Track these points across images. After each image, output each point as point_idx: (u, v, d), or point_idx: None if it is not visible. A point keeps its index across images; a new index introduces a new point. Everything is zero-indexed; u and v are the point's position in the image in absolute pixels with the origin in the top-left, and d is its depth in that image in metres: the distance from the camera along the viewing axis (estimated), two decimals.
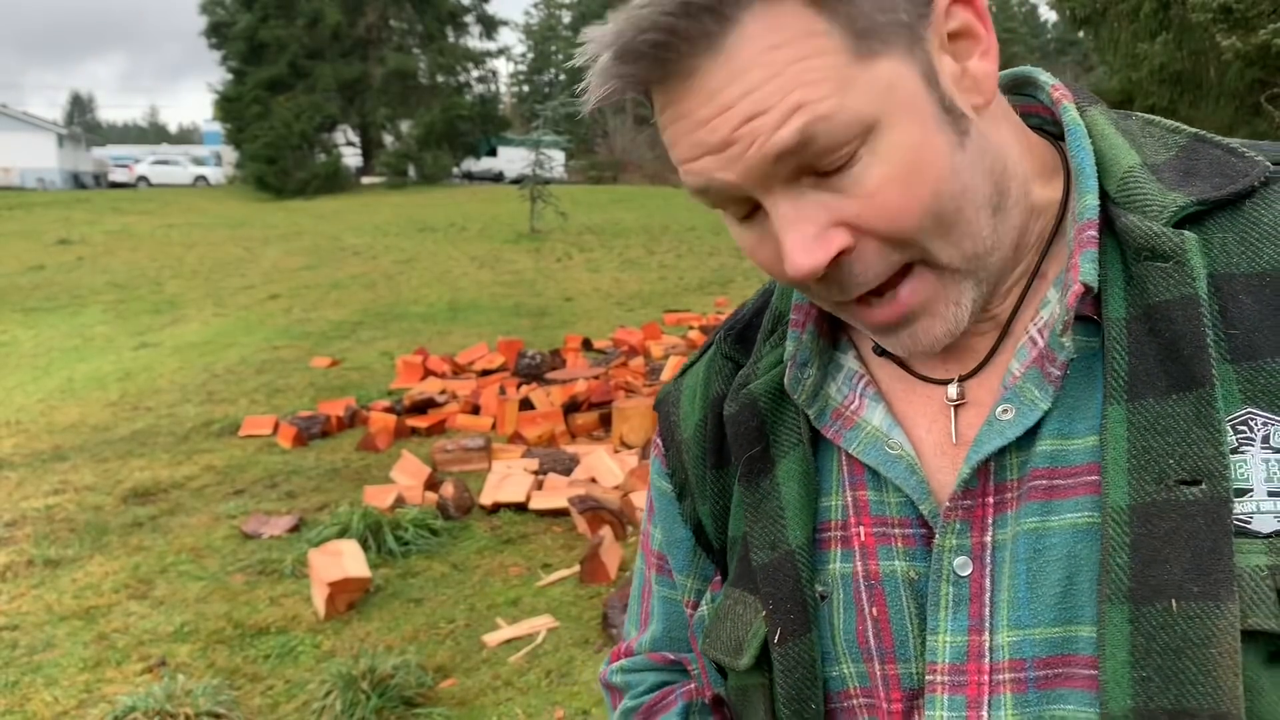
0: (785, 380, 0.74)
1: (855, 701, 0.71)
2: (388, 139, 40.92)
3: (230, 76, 38.03)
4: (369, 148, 41.31)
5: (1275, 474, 0.58)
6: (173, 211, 27.45)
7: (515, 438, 6.76)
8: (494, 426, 7.18)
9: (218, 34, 38.87)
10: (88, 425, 8.07)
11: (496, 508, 5.50)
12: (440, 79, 41.05)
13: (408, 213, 25.82)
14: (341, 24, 37.54)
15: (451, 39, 42.50)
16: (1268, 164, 0.64)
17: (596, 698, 3.57)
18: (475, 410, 7.57)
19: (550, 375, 8.33)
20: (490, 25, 43.86)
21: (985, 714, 0.64)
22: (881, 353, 0.74)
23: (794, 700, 0.71)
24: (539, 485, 5.71)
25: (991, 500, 0.65)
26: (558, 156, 29.66)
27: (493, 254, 18.50)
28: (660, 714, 0.87)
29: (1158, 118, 0.71)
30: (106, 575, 4.90)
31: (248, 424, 7.61)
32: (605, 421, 6.89)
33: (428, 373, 8.90)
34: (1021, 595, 0.63)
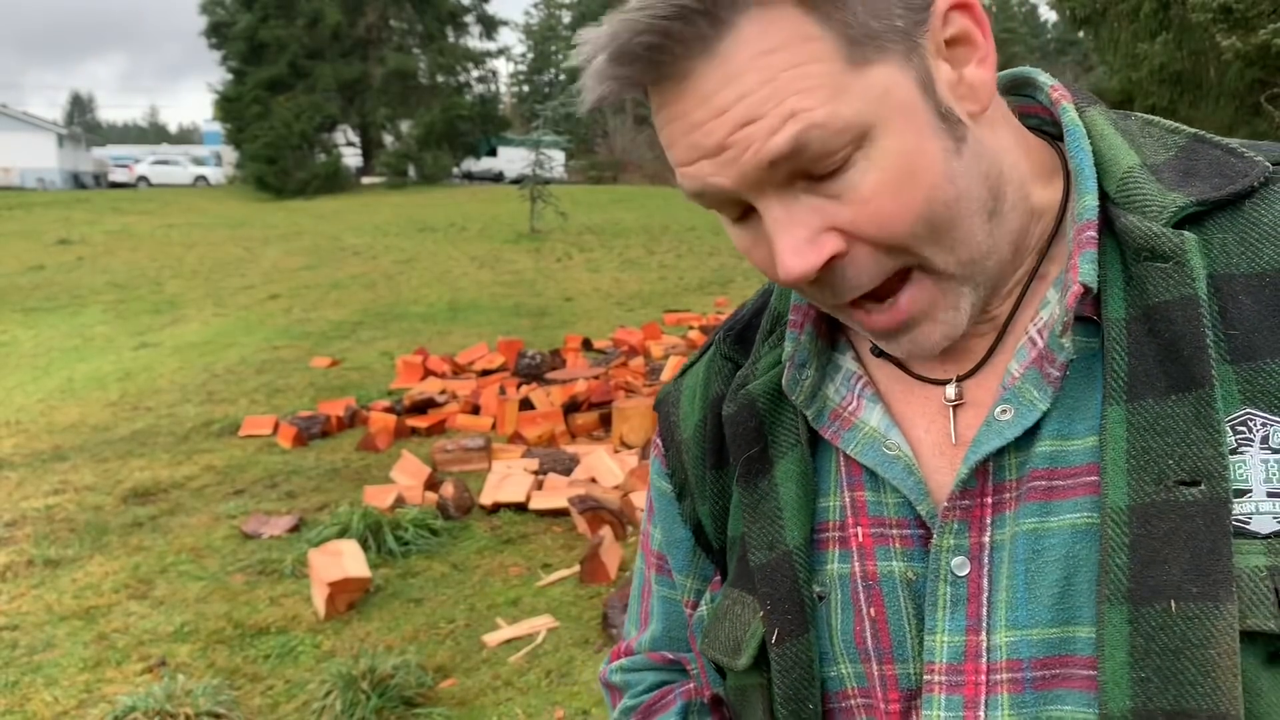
0: (783, 381, 0.74)
1: (853, 702, 0.71)
2: (388, 139, 40.92)
3: (230, 76, 38.04)
4: (369, 148, 41.31)
5: (1274, 474, 0.58)
6: (173, 211, 27.45)
7: (515, 438, 6.76)
8: (494, 426, 7.18)
9: (218, 34, 38.87)
10: (88, 425, 8.07)
11: (496, 508, 5.50)
12: (440, 79, 41.06)
13: (408, 213, 25.82)
14: (341, 24, 37.54)
15: (451, 39, 42.50)
16: (1267, 164, 0.64)
17: (596, 698, 3.57)
18: (475, 410, 7.57)
19: (550, 375, 8.33)
20: (490, 25, 43.87)
21: (982, 714, 0.64)
22: (880, 353, 0.74)
23: (791, 700, 0.71)
24: (539, 485, 5.71)
25: (990, 501, 0.65)
26: (558, 156, 29.68)
27: (493, 254, 18.50)
28: (659, 713, 0.87)
29: (1157, 118, 0.71)
30: (106, 575, 4.90)
31: (248, 424, 7.61)
32: (605, 421, 6.89)
33: (428, 373, 8.90)
34: (1019, 596, 0.63)
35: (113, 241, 20.67)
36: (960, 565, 0.65)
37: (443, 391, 8.06)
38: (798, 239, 0.61)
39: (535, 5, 77.50)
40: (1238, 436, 0.59)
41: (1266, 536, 0.57)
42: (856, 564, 0.70)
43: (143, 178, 42.64)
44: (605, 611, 4.07)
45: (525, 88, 75.59)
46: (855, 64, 0.58)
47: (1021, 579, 0.63)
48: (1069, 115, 0.69)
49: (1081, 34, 19.05)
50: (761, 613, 0.72)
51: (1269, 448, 0.58)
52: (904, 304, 0.64)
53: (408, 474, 5.97)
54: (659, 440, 0.88)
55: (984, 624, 0.64)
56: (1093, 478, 0.62)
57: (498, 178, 43.23)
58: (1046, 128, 0.73)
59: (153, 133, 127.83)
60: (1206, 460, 0.58)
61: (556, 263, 17.39)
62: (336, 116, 38.63)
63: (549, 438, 6.71)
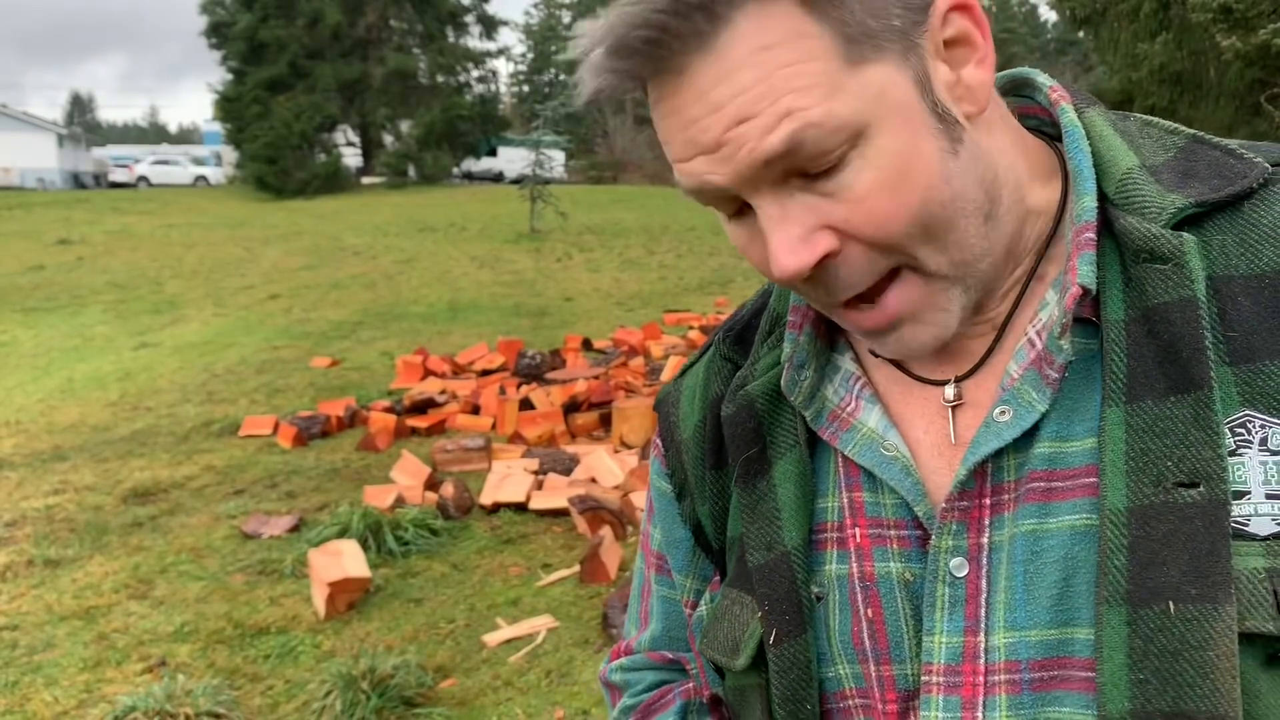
0: (782, 382, 0.74)
1: (851, 702, 0.71)
2: (388, 139, 40.92)
3: (230, 76, 38.03)
4: (369, 148, 41.31)
5: (1273, 476, 0.58)
6: (173, 211, 27.45)
7: (515, 438, 6.76)
8: (494, 426, 7.18)
9: (218, 34, 38.86)
10: (88, 425, 8.07)
11: (496, 508, 5.50)
12: (440, 79, 41.05)
13: (408, 213, 25.82)
14: (341, 24, 37.54)
15: (451, 39, 42.50)
16: (1266, 165, 0.64)
17: (596, 698, 3.57)
18: (475, 410, 7.57)
19: (550, 375, 8.33)
20: (490, 25, 43.86)
21: (980, 715, 0.64)
22: (878, 354, 0.74)
23: (789, 701, 0.71)
24: (539, 485, 5.71)
25: (988, 502, 0.65)
26: (558, 156, 29.67)
27: (493, 254, 18.50)
28: (658, 713, 0.88)
29: (1156, 119, 0.71)
30: (106, 575, 4.90)
31: (248, 424, 7.61)
32: (605, 421, 6.89)
33: (428, 373, 8.90)
34: (1018, 597, 0.63)
35: (113, 241, 20.67)
36: (959, 566, 0.65)
37: (443, 391, 8.06)
38: (791, 236, 0.61)
39: (535, 5, 77.51)
40: (1236, 438, 0.59)
41: (1265, 538, 0.57)
42: (854, 565, 0.70)
43: (143, 178, 42.64)
44: (605, 611, 4.07)
45: (525, 88, 75.58)
46: (852, 62, 0.58)
47: (1020, 580, 0.63)
48: (1068, 116, 0.69)
49: (1081, 34, 19.05)
50: (759, 613, 0.72)
51: (1268, 450, 0.58)
52: (891, 303, 0.64)
53: (408, 474, 5.97)
54: (659, 440, 0.88)
55: (982, 625, 0.64)
56: (1091, 479, 0.62)
57: (498, 178, 43.23)
58: (1046, 129, 0.73)
59: (153, 133, 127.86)
60: (1205, 462, 0.58)
61: (556, 263, 17.39)
62: (336, 116, 38.62)
63: (549, 438, 6.72)
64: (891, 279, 0.64)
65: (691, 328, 10.76)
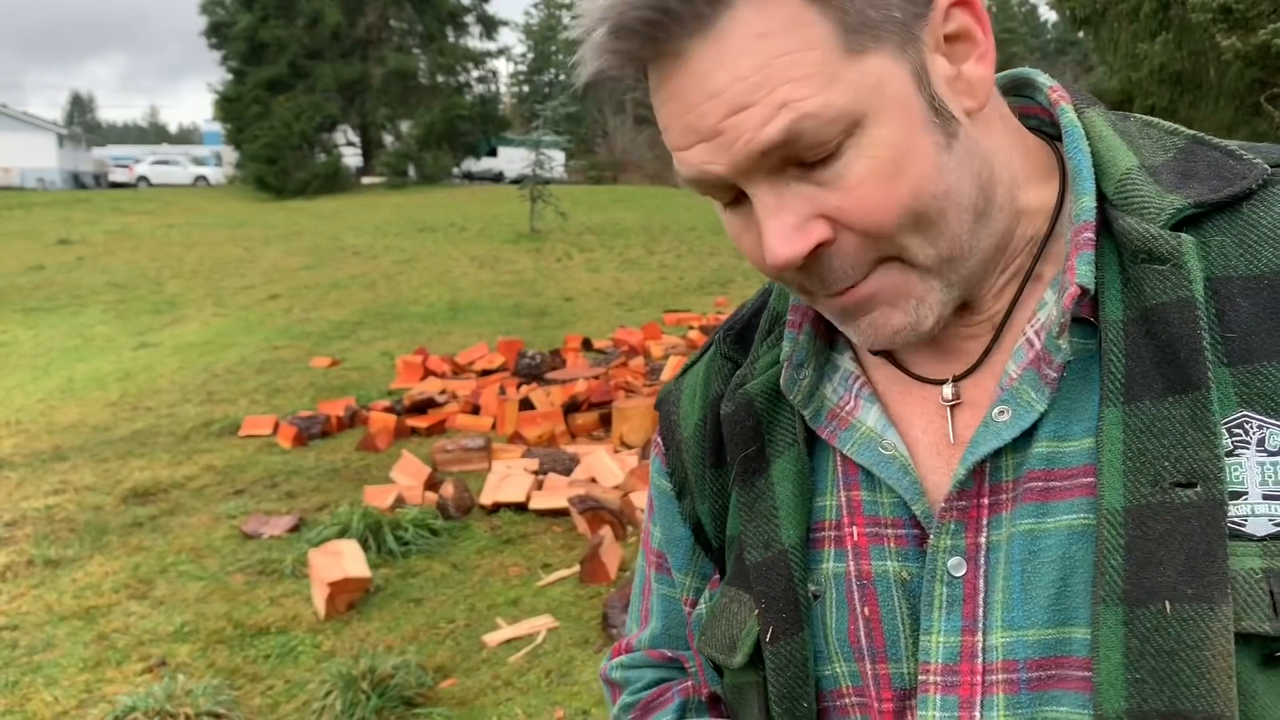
0: (781, 381, 0.74)
1: (848, 700, 0.71)
2: (388, 139, 40.91)
3: (230, 76, 38.02)
4: (369, 148, 41.30)
5: (1270, 477, 0.58)
6: (173, 211, 27.45)
7: (515, 438, 6.76)
8: (494, 426, 7.18)
9: (218, 34, 38.86)
10: (88, 425, 8.07)
11: (496, 508, 5.50)
12: (440, 79, 41.04)
13: (408, 213, 25.82)
14: (341, 24, 37.53)
15: (451, 39, 42.48)
16: (1266, 166, 0.64)
17: (596, 698, 3.57)
18: (475, 410, 7.57)
19: (550, 375, 8.34)
20: (490, 25, 43.84)
21: (978, 714, 0.64)
22: (878, 353, 0.74)
23: (786, 698, 0.71)
24: (539, 485, 5.71)
25: (986, 501, 0.65)
26: (558, 156, 29.66)
27: (493, 254, 18.50)
28: (657, 710, 0.88)
29: (1156, 119, 0.71)
30: (106, 575, 4.90)
31: (248, 424, 7.61)
32: (605, 421, 6.89)
33: (428, 373, 8.90)
34: (1015, 596, 0.63)
35: (113, 241, 20.67)
36: (956, 566, 0.65)
37: (443, 391, 8.06)
38: (785, 225, 0.61)
39: (535, 5, 77.50)
40: (1234, 439, 0.59)
41: (1262, 539, 0.57)
42: (851, 563, 0.70)
43: (143, 178, 42.65)
44: (605, 611, 4.07)
45: (525, 88, 75.59)
46: (850, 52, 0.58)
47: (1018, 580, 0.63)
48: (1067, 116, 0.69)
49: (1081, 34, 19.05)
50: (757, 611, 0.73)
51: (1265, 450, 0.58)
52: (867, 284, 0.64)
53: (408, 474, 5.97)
54: (659, 439, 0.88)
55: (980, 625, 0.64)
56: (1089, 479, 0.62)
57: (498, 178, 43.22)
58: (1046, 128, 0.73)
59: (153, 133, 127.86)
60: (1202, 462, 0.58)
61: (556, 263, 17.39)
62: (336, 116, 38.62)
63: (549, 438, 6.72)
64: (874, 270, 0.64)
65: (691, 328, 10.77)
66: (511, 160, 40.11)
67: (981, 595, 0.65)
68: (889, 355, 0.74)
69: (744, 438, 0.75)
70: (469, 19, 43.12)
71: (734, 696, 0.79)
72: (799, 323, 0.75)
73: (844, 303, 0.66)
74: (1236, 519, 0.58)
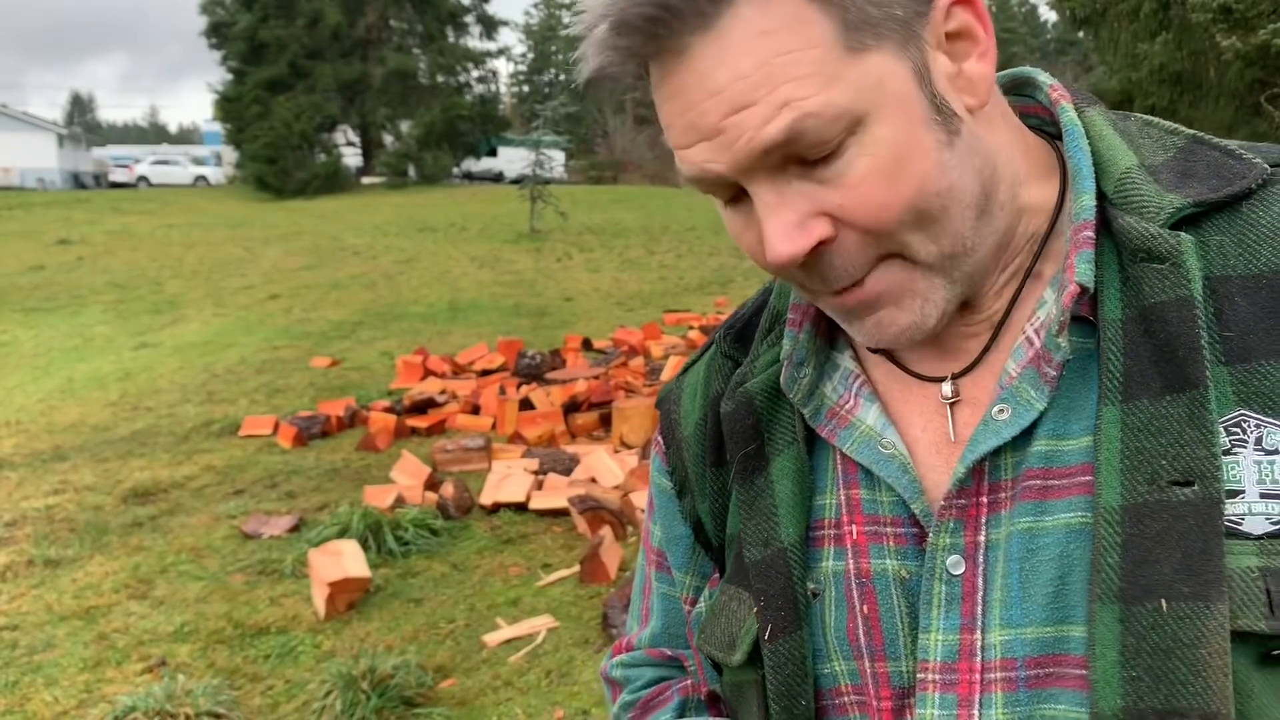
0: (781, 379, 0.74)
1: (846, 698, 0.71)
2: (388, 139, 40.91)
3: (230, 76, 38.03)
4: (369, 148, 41.30)
5: (1267, 475, 0.58)
6: (173, 211, 27.45)
7: (515, 438, 6.76)
8: (494, 426, 7.18)
9: (218, 34, 38.86)
10: (88, 425, 8.07)
11: (496, 508, 5.50)
12: (440, 79, 41.04)
13: (408, 213, 25.82)
14: (341, 24, 37.53)
15: (451, 39, 42.49)
16: (1265, 166, 0.64)
17: (596, 698, 3.57)
18: (475, 410, 7.57)
19: (550, 375, 8.34)
20: (490, 25, 43.85)
21: (976, 713, 0.64)
22: (877, 351, 0.74)
23: (785, 696, 0.72)
24: (539, 485, 5.71)
25: (985, 500, 0.65)
26: (558, 156, 29.66)
27: (493, 254, 18.51)
28: (656, 709, 0.88)
29: (1156, 119, 0.71)
30: (106, 575, 4.90)
31: (248, 424, 7.62)
32: (605, 421, 6.89)
33: (428, 373, 8.90)
34: (1014, 595, 0.63)
35: (113, 241, 20.67)
36: (955, 564, 0.65)
37: (443, 391, 8.07)
38: (786, 223, 0.61)
39: (535, 5, 77.50)
40: (1231, 437, 0.59)
41: (1259, 537, 0.57)
42: (850, 562, 0.70)
43: (143, 178, 42.65)
44: (605, 611, 4.07)
45: (525, 88, 75.59)
46: (851, 50, 0.58)
47: (1016, 578, 0.63)
48: (1068, 115, 0.70)
49: (1081, 34, 19.05)
50: (755, 609, 0.73)
51: (1262, 449, 0.58)
52: (872, 283, 0.64)
53: (408, 474, 5.97)
54: (660, 438, 0.88)
55: (979, 623, 0.64)
56: (1087, 477, 0.62)
57: (498, 178, 43.22)
58: (1046, 128, 0.73)
59: (153, 133, 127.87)
60: (1199, 461, 0.58)
61: (556, 263, 17.39)
62: (336, 116, 38.62)
63: (549, 438, 6.72)
64: (878, 267, 0.64)
65: (691, 328, 10.77)
66: (511, 160, 40.10)
67: (980, 594, 0.65)
68: (888, 354, 0.74)
69: (744, 436, 0.75)
70: (469, 19, 43.14)
71: (733, 695, 0.79)
72: (799, 321, 0.75)
73: (849, 302, 0.66)
74: (1233, 517, 0.58)
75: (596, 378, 7.96)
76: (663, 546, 0.88)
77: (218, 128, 44.16)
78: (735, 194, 0.65)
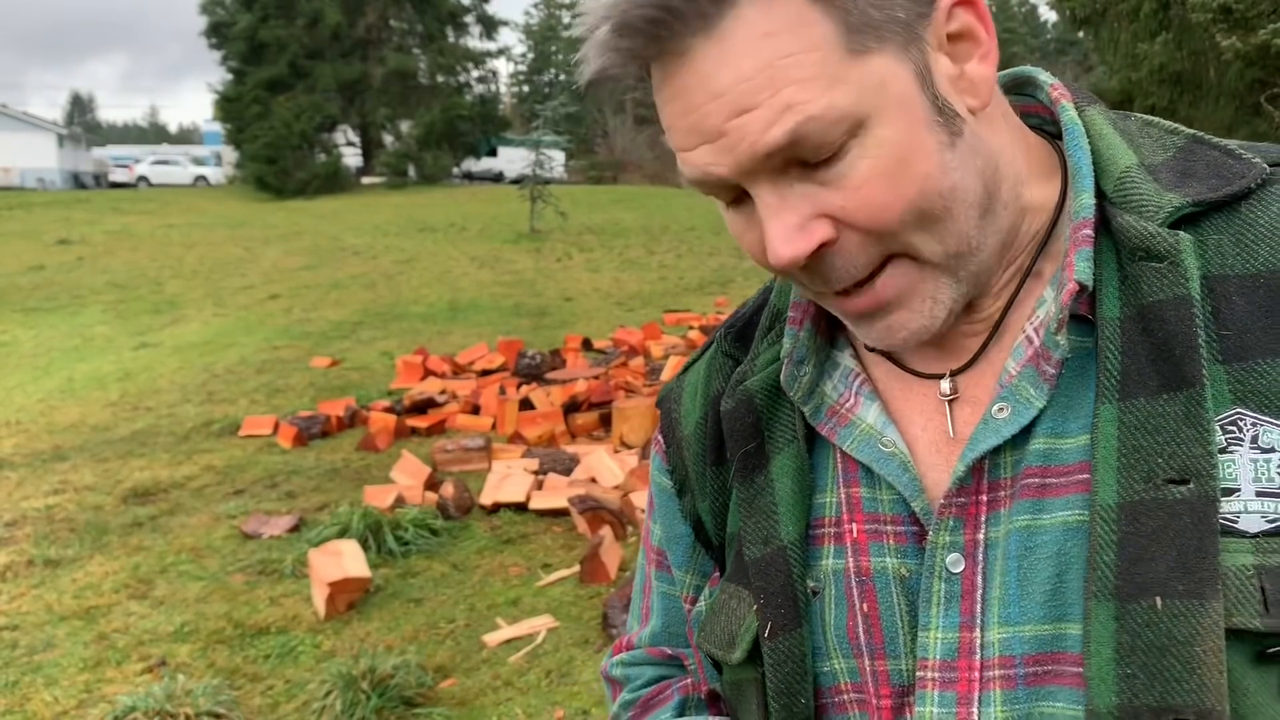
0: (781, 377, 0.74)
1: (846, 696, 0.71)
2: (388, 139, 40.91)
3: (230, 76, 38.03)
4: (369, 148, 41.30)
5: (1263, 474, 0.58)
6: (173, 211, 27.45)
7: (515, 438, 6.76)
8: (494, 426, 7.18)
9: (218, 34, 38.86)
10: (88, 425, 8.07)
11: (496, 508, 5.50)
12: (440, 79, 41.04)
13: (408, 213, 25.82)
14: (341, 24, 37.53)
15: (451, 39, 42.48)
16: (1265, 166, 0.64)
17: (596, 698, 3.57)
18: (475, 410, 7.57)
19: (550, 375, 8.34)
20: (490, 25, 43.85)
21: (975, 710, 0.64)
22: (877, 350, 0.74)
23: (784, 694, 0.72)
24: (539, 485, 5.71)
25: (985, 498, 0.66)
26: (558, 156, 29.66)
27: (493, 254, 18.51)
28: (656, 707, 0.88)
29: (1156, 119, 0.71)
30: (106, 575, 4.90)
31: (248, 424, 7.62)
32: (605, 421, 6.89)
33: (428, 373, 8.90)
34: (1012, 593, 0.63)
35: (113, 241, 20.67)
36: (955, 562, 0.66)
37: (443, 391, 8.07)
38: (788, 225, 0.62)
39: (535, 5, 77.50)
40: (1228, 436, 0.59)
41: (1255, 535, 0.57)
42: (850, 560, 0.70)
43: (143, 178, 42.64)
44: (605, 611, 4.07)
45: (525, 88, 75.59)
46: (853, 53, 0.58)
47: (1014, 576, 0.63)
48: (1068, 114, 0.70)
49: (1081, 34, 19.05)
50: (755, 607, 0.73)
51: (1258, 447, 0.59)
52: (880, 286, 0.64)
53: (408, 474, 5.97)
54: (660, 437, 0.88)
55: (978, 621, 0.65)
56: (1085, 475, 0.62)
57: (498, 178, 43.22)
58: (1047, 127, 0.73)
59: (153, 133, 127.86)
60: (1195, 459, 0.58)
61: (556, 263, 17.40)
62: (336, 116, 38.62)
63: (549, 438, 6.72)
64: (884, 269, 0.64)
65: (691, 328, 10.77)
66: (511, 160, 40.10)
67: (979, 592, 0.65)
68: (888, 352, 0.74)
69: (744, 434, 0.75)
70: (469, 19, 43.13)
71: (733, 693, 0.79)
72: (800, 319, 0.75)
73: (859, 306, 0.66)
74: (1229, 515, 0.58)
75: (596, 378, 7.97)
76: (663, 545, 0.88)
77: (218, 128, 44.16)
78: (737, 195, 0.65)
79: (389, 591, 4.57)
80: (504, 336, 10.10)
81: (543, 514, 5.39)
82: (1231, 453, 0.59)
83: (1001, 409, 0.65)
